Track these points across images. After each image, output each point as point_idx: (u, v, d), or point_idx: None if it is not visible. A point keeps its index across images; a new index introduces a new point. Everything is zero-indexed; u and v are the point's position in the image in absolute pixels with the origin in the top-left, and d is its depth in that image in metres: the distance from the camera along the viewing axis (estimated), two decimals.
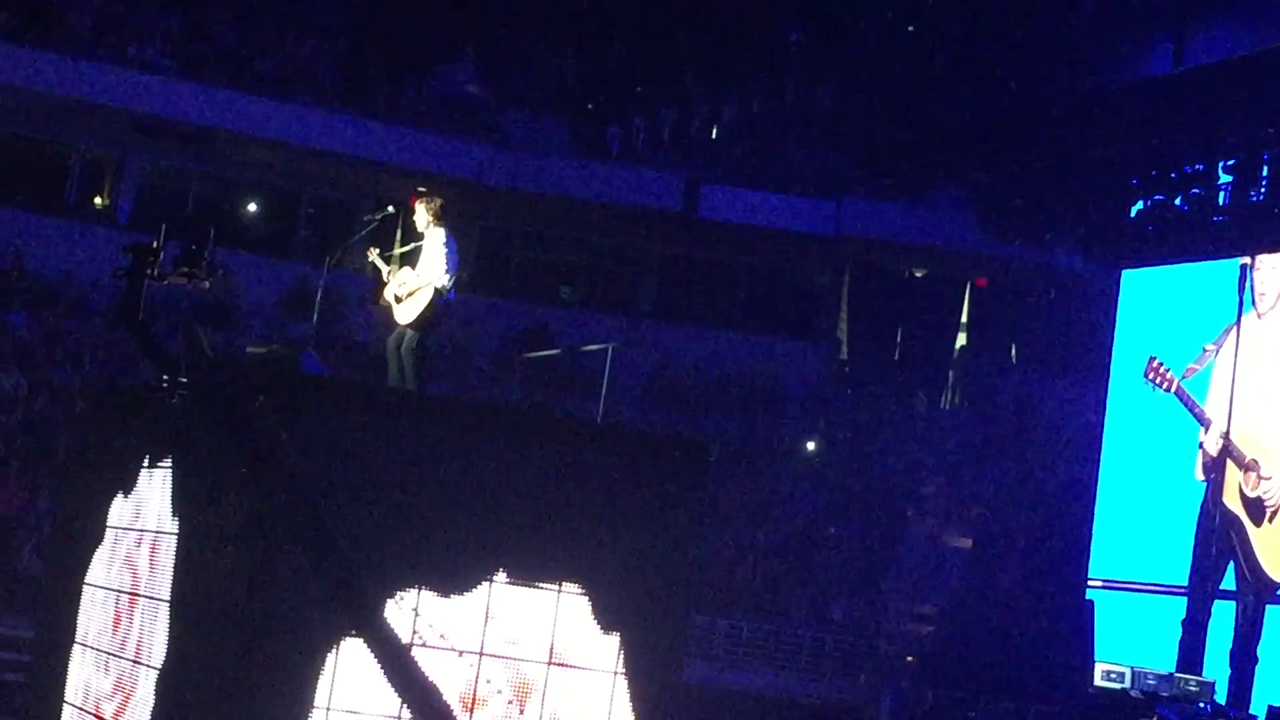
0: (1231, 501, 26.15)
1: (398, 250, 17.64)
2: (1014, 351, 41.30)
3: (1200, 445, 26.95)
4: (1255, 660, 25.41)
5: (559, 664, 13.20)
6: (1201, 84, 24.13)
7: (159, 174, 40.02)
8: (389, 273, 16.98)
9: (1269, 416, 25.66)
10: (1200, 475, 26.83)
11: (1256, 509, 25.83)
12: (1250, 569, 25.76)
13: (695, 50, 26.85)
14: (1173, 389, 27.30)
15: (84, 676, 14.45)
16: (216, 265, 13.58)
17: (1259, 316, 26.27)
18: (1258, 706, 24.88)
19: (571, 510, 13.34)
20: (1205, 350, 27.17)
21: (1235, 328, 25.61)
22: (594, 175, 38.98)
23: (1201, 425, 26.87)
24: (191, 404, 12.71)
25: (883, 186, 36.19)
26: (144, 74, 37.07)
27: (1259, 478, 25.77)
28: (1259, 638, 25.52)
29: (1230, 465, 25.96)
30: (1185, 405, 27.13)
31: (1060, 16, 23.79)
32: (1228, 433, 25.00)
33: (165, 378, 12.88)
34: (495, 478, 13.16)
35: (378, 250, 17.45)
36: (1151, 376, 27.68)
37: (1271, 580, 25.60)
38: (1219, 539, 25.96)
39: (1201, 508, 26.81)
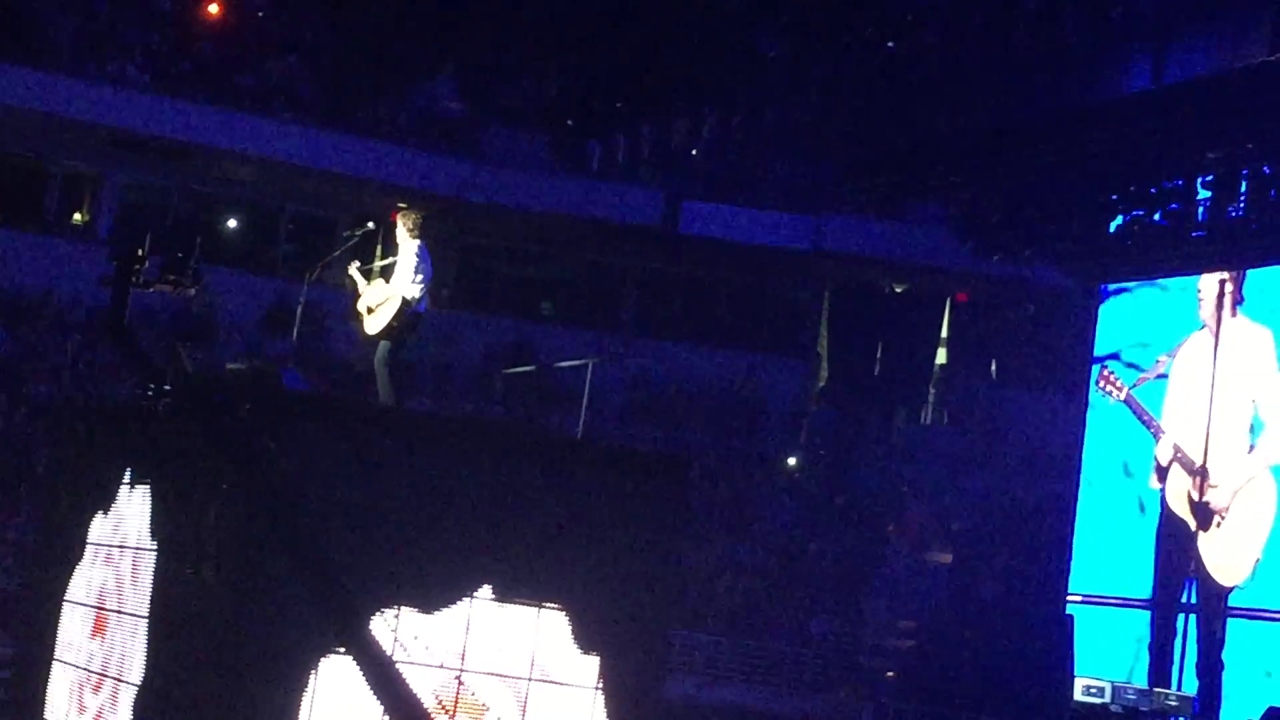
0: (1180, 508, 26.37)
1: (378, 265, 17.65)
2: (994, 367, 41.36)
3: (1156, 455, 27.25)
4: (1222, 665, 25.49)
5: (540, 680, 13.19)
6: (1180, 100, 24.19)
7: (139, 190, 39.97)
8: (364, 286, 17.02)
9: (1221, 425, 25.86)
10: (1155, 483, 27.08)
11: (1204, 515, 25.99)
12: (1201, 575, 25.91)
13: (676, 66, 26.87)
14: (1123, 397, 27.61)
15: (63, 694, 14.41)
16: (202, 273, 13.58)
17: (1202, 324, 26.62)
18: (1229, 712, 25.01)
19: (552, 526, 13.34)
20: (1158, 360, 27.50)
21: (1188, 339, 26.18)
22: (574, 191, 38.99)
23: (1151, 432, 27.17)
24: (175, 415, 12.70)
25: (863, 202, 36.22)
26: (124, 90, 37.04)
27: (1206, 484, 25.94)
28: (1222, 645, 25.63)
29: (1179, 472, 26.24)
30: (1135, 414, 27.44)
31: (1040, 33, 23.83)
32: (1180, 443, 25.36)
33: (150, 387, 12.86)
34: (476, 494, 13.16)
35: (358, 264, 17.48)
36: (1102, 385, 28.05)
37: (1220, 587, 25.73)
38: (1176, 546, 26.22)
39: (1160, 516, 27.04)
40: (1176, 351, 27.32)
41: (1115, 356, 28.55)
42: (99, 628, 14.04)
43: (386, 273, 17.24)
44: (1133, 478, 28.00)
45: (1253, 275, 26.42)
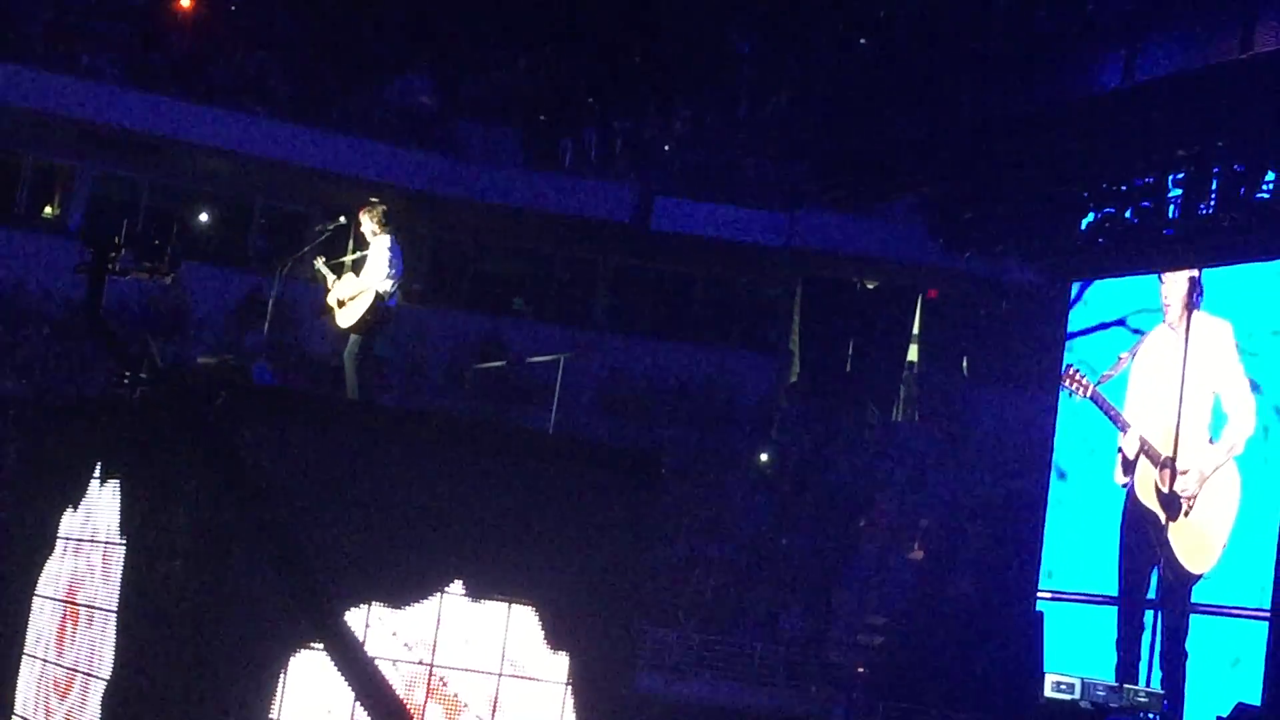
0: (1148, 499, 26.52)
1: (348, 259, 17.60)
2: (965, 363, 41.43)
3: (1120, 449, 27.38)
4: (1185, 657, 25.60)
5: (511, 675, 13.19)
6: (1152, 98, 24.25)
7: (110, 183, 39.88)
8: (333, 280, 16.98)
9: (1186, 417, 26.03)
10: (1119, 478, 27.22)
11: (1172, 504, 26.14)
12: (1169, 564, 26.03)
13: (648, 62, 26.90)
14: (1088, 394, 27.82)
15: (32, 688, 14.38)
16: (178, 260, 13.53)
17: (1170, 328, 26.76)
18: (1194, 709, 25.11)
19: (522, 521, 13.34)
20: (1120, 358, 27.68)
21: (1147, 336, 26.36)
22: (547, 186, 39.00)
23: (1118, 427, 27.35)
24: (146, 408, 12.67)
25: (835, 199, 36.25)
26: (96, 84, 36.97)
27: (1174, 474, 26.11)
28: (1185, 636, 25.76)
29: (1146, 464, 26.42)
30: (1101, 409, 27.65)
31: (1012, 30, 23.89)
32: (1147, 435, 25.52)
33: (126, 374, 12.82)
34: (447, 489, 13.15)
35: (324, 259, 17.41)
36: (1068, 383, 28.27)
37: (1190, 573, 25.86)
38: (1142, 540, 26.37)
39: (1124, 512, 27.19)
40: (1136, 349, 27.51)
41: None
42: (68, 623, 14.01)
43: (356, 266, 17.21)
44: (1102, 474, 28.11)
45: (1210, 271, 26.58)
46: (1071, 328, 29.27)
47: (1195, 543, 25.85)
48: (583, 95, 28.95)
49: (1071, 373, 28.35)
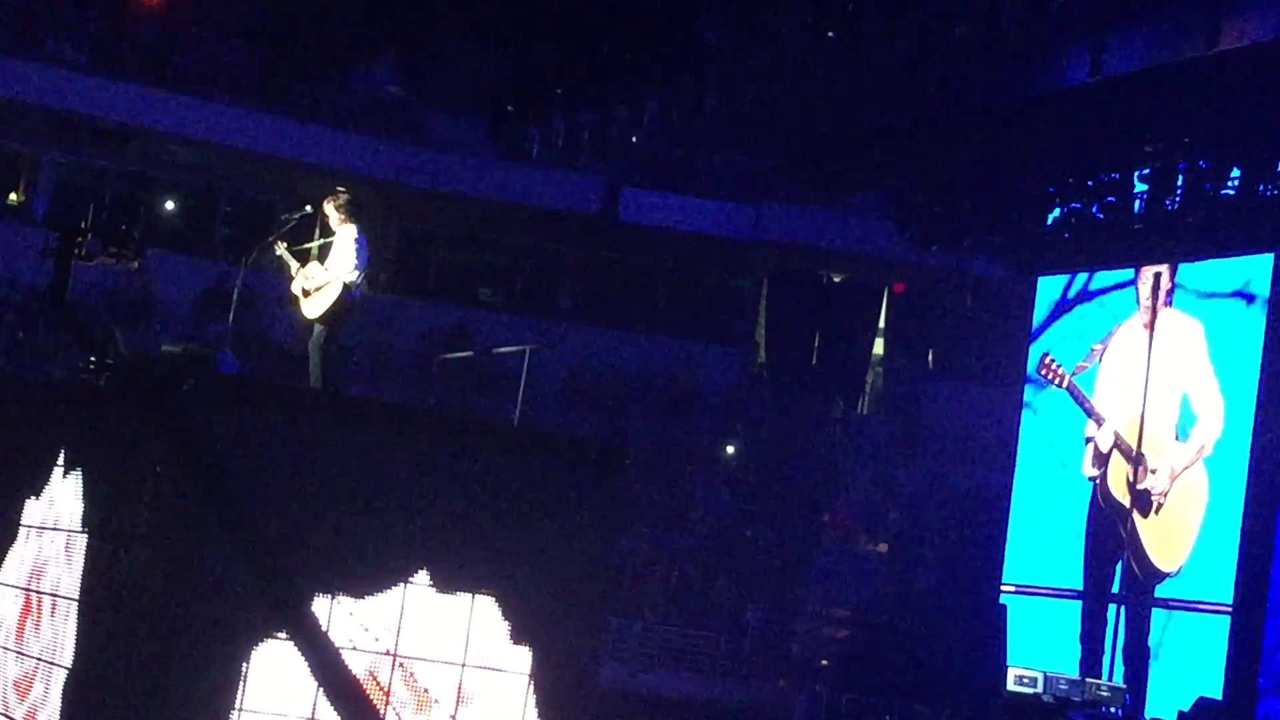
0: (1120, 494, 26.58)
1: (315, 245, 17.54)
2: (931, 357, 41.50)
3: (1089, 440, 27.42)
4: (1148, 652, 25.69)
5: (475, 666, 13.18)
6: (1118, 94, 24.32)
7: (76, 171, 39.74)
8: (297, 269, 16.91)
9: (1153, 413, 26.04)
10: (1088, 470, 27.27)
11: (1144, 501, 26.22)
12: (1138, 560, 26.09)
13: (615, 53, 26.84)
14: (1064, 384, 27.86)
15: None
16: (144, 246, 13.48)
17: (1143, 326, 26.77)
18: (1157, 703, 25.20)
19: (487, 512, 13.33)
20: (1093, 349, 27.75)
21: (1119, 328, 26.40)
22: (514, 177, 38.93)
23: (1092, 419, 27.40)
24: (111, 396, 12.63)
25: (802, 191, 36.27)
26: (62, 70, 36.82)
27: (1146, 470, 26.17)
28: (1148, 632, 25.84)
29: (1119, 459, 26.47)
30: (1076, 400, 27.74)
31: (979, 25, 23.90)
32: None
33: (92, 360, 12.78)
34: (412, 479, 13.13)
35: (286, 245, 17.32)
36: (1043, 372, 28.32)
37: (1160, 570, 25.93)
38: (1108, 534, 26.44)
39: (1090, 505, 27.24)
40: (1108, 341, 27.57)
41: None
42: (30, 611, 13.96)
43: (320, 254, 17.14)
44: (1067, 469, 28.18)
45: (1185, 269, 26.62)
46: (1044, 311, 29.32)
47: (1166, 540, 25.92)
48: (550, 86, 28.89)
49: (1048, 361, 28.37)
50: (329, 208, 16.87)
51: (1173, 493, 25.92)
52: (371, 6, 39.16)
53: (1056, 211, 27.35)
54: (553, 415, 35.53)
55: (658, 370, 40.34)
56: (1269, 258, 25.17)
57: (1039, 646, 27.03)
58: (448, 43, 40.05)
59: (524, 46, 30.46)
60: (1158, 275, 26.48)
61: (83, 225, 13.00)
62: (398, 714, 12.88)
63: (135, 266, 13.57)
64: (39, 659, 13.50)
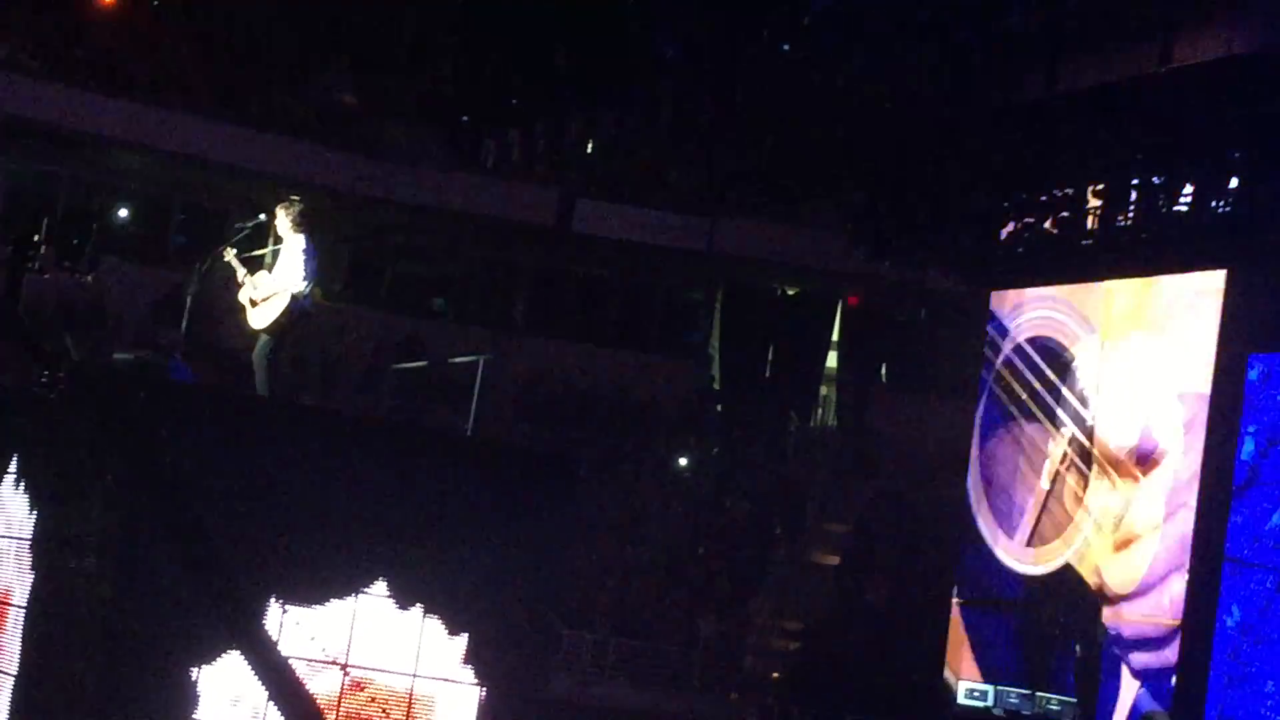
0: (1073, 509, 26.52)
1: (267, 252, 17.42)
2: (884, 370, 41.57)
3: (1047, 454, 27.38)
4: (1099, 664, 25.63)
5: (425, 676, 13.16)
6: (1073, 110, 24.40)
7: (26, 178, 39.51)
8: (244, 275, 16.79)
9: (1116, 431, 25.99)
10: (1045, 482, 27.21)
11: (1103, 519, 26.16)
12: (1092, 576, 26.01)
13: (571, 65, 26.89)
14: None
15: None
16: (98, 260, 13.48)
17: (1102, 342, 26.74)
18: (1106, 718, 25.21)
19: (438, 523, 13.32)
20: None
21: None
22: (468, 188, 38.85)
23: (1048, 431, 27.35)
24: (66, 404, 12.59)
25: (756, 204, 36.32)
26: (13, 75, 36.62)
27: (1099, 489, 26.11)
28: (1101, 645, 25.76)
29: (1074, 474, 26.43)
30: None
31: (934, 42, 24.01)
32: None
33: (45, 374, 12.74)
34: (363, 490, 13.12)
35: (235, 251, 17.17)
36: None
37: (1113, 592, 25.85)
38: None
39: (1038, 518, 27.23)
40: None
41: None
42: None
43: (269, 261, 17.02)
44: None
45: (1156, 291, 26.43)
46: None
47: (1120, 562, 25.80)
48: (506, 97, 28.90)
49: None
50: (281, 215, 16.76)
51: (1127, 515, 25.78)
52: (326, 15, 39.09)
53: (1010, 226, 27.41)
54: (505, 426, 35.47)
55: (610, 382, 40.29)
56: (1221, 274, 25.21)
57: (991, 660, 27.03)
58: (403, 53, 40.04)
59: (479, 57, 30.50)
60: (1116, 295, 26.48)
61: (35, 239, 12.99)
62: None
63: (88, 280, 13.58)
64: None
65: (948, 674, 27.09)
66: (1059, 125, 24.77)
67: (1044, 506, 27.26)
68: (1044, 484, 27.40)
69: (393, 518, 13.10)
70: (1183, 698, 23.83)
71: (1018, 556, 27.11)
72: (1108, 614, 25.12)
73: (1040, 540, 26.70)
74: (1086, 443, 26.37)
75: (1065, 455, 26.89)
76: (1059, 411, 27.14)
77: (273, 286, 16.43)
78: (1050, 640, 26.35)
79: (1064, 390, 27.11)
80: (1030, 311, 27.94)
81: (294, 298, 16.38)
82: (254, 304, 16.53)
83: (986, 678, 25.16)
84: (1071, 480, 26.70)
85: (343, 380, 37.95)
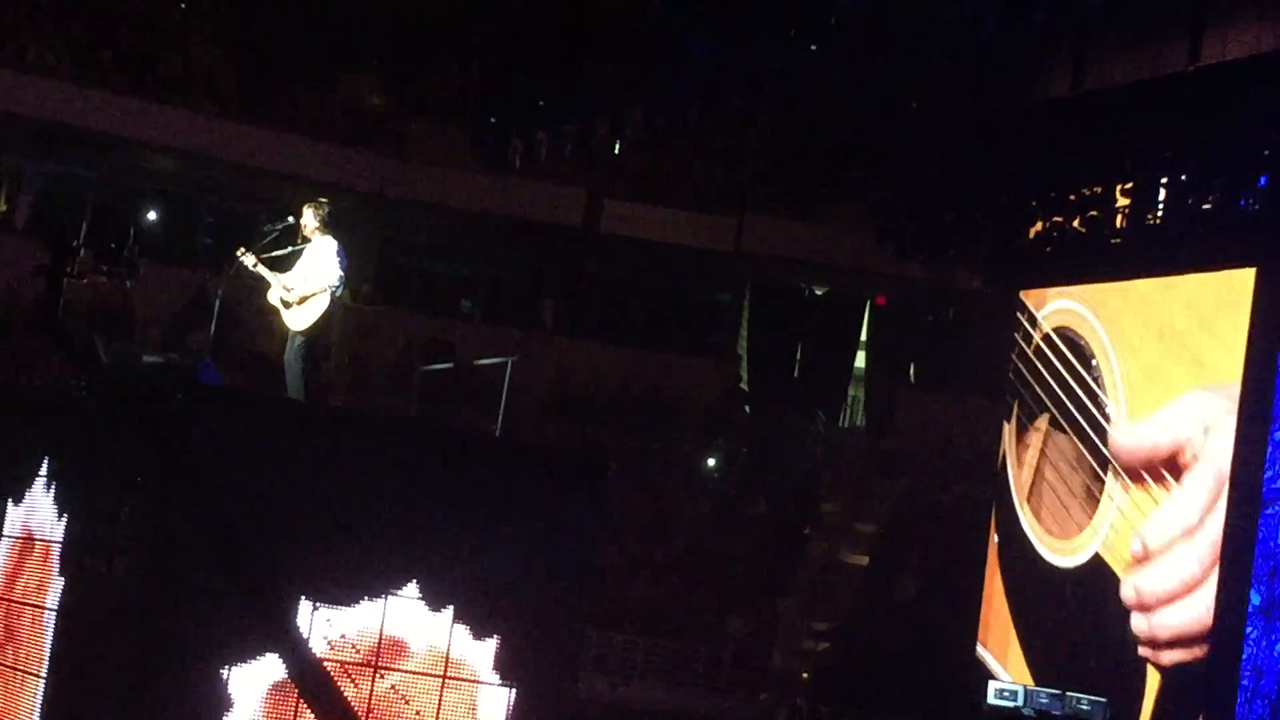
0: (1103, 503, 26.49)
1: (288, 253, 17.33)
2: (913, 370, 41.51)
3: None
4: (1132, 663, 25.57)
5: (455, 677, 13.18)
6: (1100, 107, 24.33)
7: (57, 181, 39.61)
8: (270, 276, 16.60)
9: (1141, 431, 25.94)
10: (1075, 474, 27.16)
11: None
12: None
13: (598, 64, 26.84)
14: None
15: None
16: (137, 266, 13.47)
17: None
18: None
19: (469, 524, 13.33)
20: None
21: None
22: (495, 189, 38.88)
23: None
24: (100, 407, 12.63)
25: (783, 204, 36.27)
26: (43, 79, 36.73)
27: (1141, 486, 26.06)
28: (1134, 645, 25.66)
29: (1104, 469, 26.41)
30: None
31: (961, 38, 23.93)
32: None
33: (83, 378, 12.77)
34: (393, 491, 13.14)
35: (256, 255, 16.95)
36: None
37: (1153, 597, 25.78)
38: None
39: None
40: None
41: None
42: (4, 619, 13.93)
43: (281, 263, 16.87)
44: None
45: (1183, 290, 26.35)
46: None
47: (1154, 568, 25.66)
48: (533, 97, 28.87)
49: None
50: (309, 213, 16.71)
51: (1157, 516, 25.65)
52: (354, 16, 39.13)
53: (1038, 225, 27.34)
54: (533, 427, 35.50)
55: (639, 383, 40.30)
56: (1250, 272, 25.12)
57: (1020, 660, 26.98)
58: (430, 53, 40.05)
59: (507, 57, 30.46)
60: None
61: (75, 244, 12.99)
62: None
63: (129, 285, 13.58)
64: (16, 668, 13.48)
65: (993, 664, 27.02)
66: (1086, 124, 24.69)
67: (1073, 497, 27.23)
68: (1075, 476, 27.35)
69: (423, 519, 13.12)
70: (1210, 696, 23.77)
71: (1052, 548, 27.08)
72: (1138, 615, 25.03)
73: (1070, 532, 26.63)
74: (1106, 443, 26.36)
75: (1090, 451, 26.87)
76: (1088, 405, 27.13)
77: (310, 287, 16.30)
78: (1081, 638, 26.30)
79: (1090, 384, 27.10)
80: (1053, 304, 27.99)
81: (332, 296, 16.35)
82: (287, 305, 16.43)
83: (1036, 676, 25.13)
84: (1101, 474, 26.66)
85: (370, 382, 38.00)
